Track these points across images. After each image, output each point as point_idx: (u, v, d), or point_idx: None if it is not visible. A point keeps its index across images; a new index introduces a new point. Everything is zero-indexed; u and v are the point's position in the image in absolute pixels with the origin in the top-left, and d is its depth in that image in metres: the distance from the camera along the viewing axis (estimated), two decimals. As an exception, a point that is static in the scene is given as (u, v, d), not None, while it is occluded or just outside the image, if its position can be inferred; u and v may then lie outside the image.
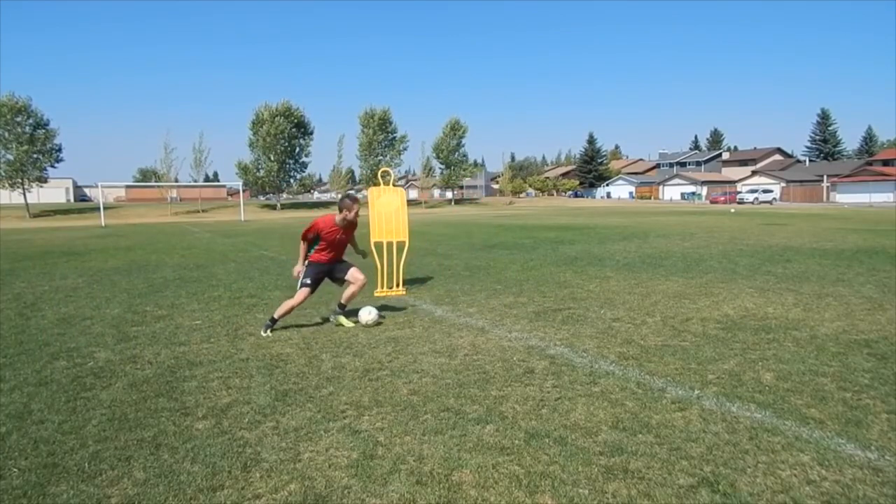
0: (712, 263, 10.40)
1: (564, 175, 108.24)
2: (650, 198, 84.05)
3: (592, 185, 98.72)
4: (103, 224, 36.82)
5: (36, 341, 5.54)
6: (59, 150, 50.46)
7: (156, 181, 61.98)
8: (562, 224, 24.61)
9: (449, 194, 76.34)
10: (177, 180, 61.81)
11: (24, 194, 49.19)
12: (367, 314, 6.01)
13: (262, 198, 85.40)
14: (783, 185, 72.41)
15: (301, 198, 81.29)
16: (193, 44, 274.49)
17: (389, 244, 8.36)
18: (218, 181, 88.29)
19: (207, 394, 4.03)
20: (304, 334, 5.69)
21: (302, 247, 6.08)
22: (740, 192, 64.94)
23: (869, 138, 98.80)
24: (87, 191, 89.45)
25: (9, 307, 7.34)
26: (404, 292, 7.91)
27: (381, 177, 8.99)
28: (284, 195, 67.12)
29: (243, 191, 62.90)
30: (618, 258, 11.55)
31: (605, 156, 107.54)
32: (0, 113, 46.30)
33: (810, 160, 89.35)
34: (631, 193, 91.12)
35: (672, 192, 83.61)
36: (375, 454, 3.06)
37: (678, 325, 5.76)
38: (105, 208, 45.26)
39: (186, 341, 5.48)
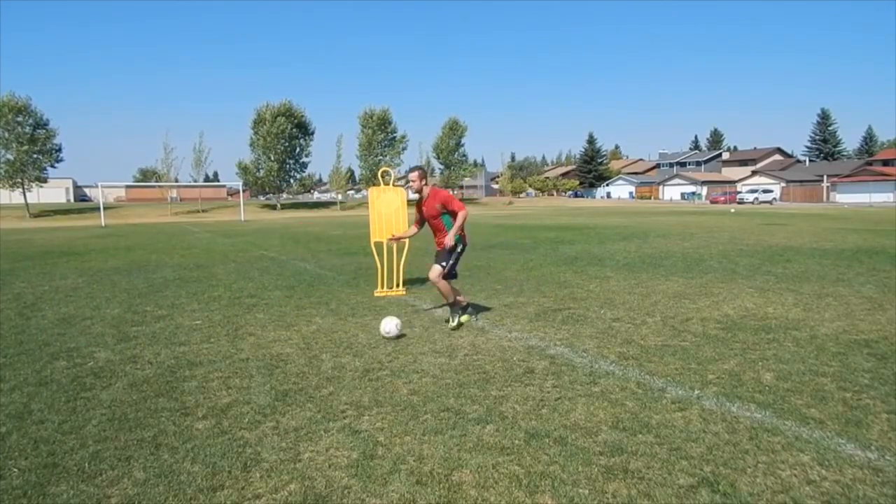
0: (712, 263, 10.40)
1: (564, 175, 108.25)
2: (650, 198, 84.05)
3: (592, 185, 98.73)
4: (103, 224, 36.83)
5: (36, 341, 5.54)
6: (59, 150, 50.47)
7: (156, 181, 61.95)
8: (562, 224, 24.61)
9: (449, 194, 76.21)
10: (177, 180, 61.79)
11: (24, 194, 49.19)
12: (387, 326, 5.45)
13: (262, 198, 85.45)
14: (783, 185, 72.43)
15: (301, 198, 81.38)
16: (193, 44, 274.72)
17: (389, 244, 8.36)
18: (218, 181, 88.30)
19: (207, 394, 4.03)
20: (303, 334, 5.69)
21: None
22: (740, 192, 64.96)
23: (869, 138, 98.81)
24: (87, 191, 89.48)
25: (9, 307, 7.34)
26: (404, 292, 7.91)
27: (382, 176, 8.99)
28: (284, 195, 67.16)
29: (243, 191, 62.91)
30: (618, 258, 11.55)
31: (605, 156, 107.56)
32: (1, 113, 46.29)
33: (810, 160, 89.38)
34: (631, 193, 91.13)
35: (672, 192, 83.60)
36: (375, 454, 3.06)
37: (678, 325, 5.76)
38: (105, 208, 45.26)
39: (186, 341, 5.48)
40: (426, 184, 6.13)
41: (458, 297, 5.97)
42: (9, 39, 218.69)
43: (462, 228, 5.94)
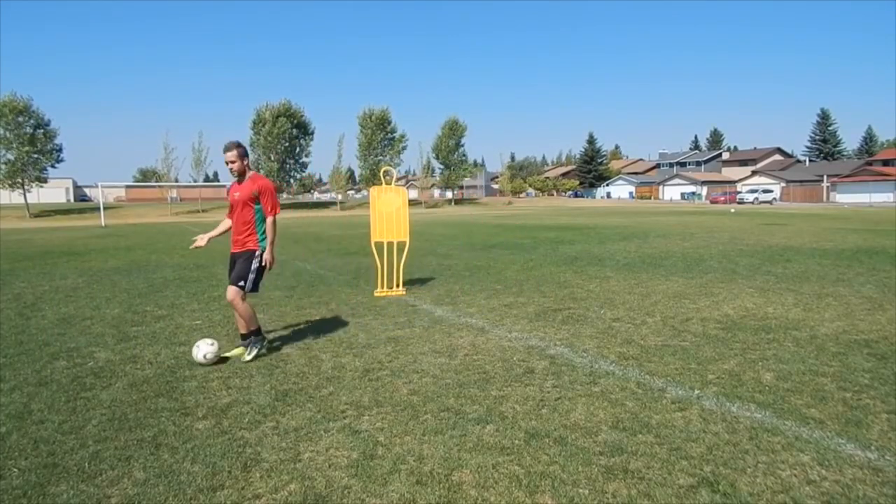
0: (712, 263, 10.40)
1: (564, 175, 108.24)
2: (650, 198, 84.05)
3: (592, 185, 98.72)
4: (103, 224, 36.82)
5: (36, 341, 5.54)
6: (60, 150, 50.50)
7: (156, 181, 61.98)
8: (562, 224, 24.61)
9: (449, 194, 76.38)
10: (177, 180, 61.81)
11: (24, 194, 49.21)
12: (202, 350, 4.66)
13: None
14: (783, 185, 72.42)
15: (301, 198, 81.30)
16: (193, 44, 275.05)
17: (390, 244, 8.36)
18: (218, 181, 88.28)
19: (207, 394, 4.03)
20: (304, 334, 5.69)
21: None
22: (740, 192, 64.95)
23: (869, 138, 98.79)
24: (87, 191, 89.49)
25: (9, 307, 7.34)
26: (404, 292, 7.91)
27: (383, 175, 8.99)
28: (284, 195, 67.18)
29: (243, 191, 62.81)
30: (618, 258, 11.55)
31: (605, 156, 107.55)
32: (2, 113, 46.30)
33: (810, 160, 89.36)
34: (631, 193, 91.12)
35: (672, 192, 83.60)
36: (375, 454, 3.06)
37: (678, 325, 5.76)
38: (105, 208, 45.25)
39: (186, 341, 5.47)
40: (248, 166, 4.92)
41: (256, 326, 4.92)
42: (9, 39, 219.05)
43: (274, 237, 4.92)
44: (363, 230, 19.75)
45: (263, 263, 4.88)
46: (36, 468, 2.96)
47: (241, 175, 4.88)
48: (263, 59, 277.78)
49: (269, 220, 4.86)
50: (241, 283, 4.78)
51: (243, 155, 4.85)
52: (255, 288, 4.91)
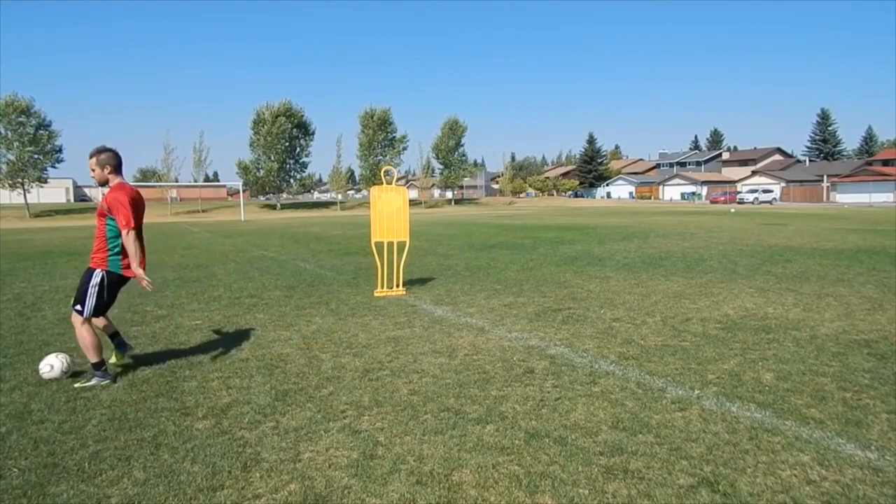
0: (712, 263, 10.40)
1: (564, 175, 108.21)
2: (650, 198, 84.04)
3: (592, 185, 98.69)
4: (103, 224, 36.78)
5: (36, 341, 5.54)
6: (60, 150, 50.54)
7: (156, 181, 61.97)
8: (562, 224, 24.61)
9: (449, 194, 76.38)
10: (177, 180, 61.82)
11: (25, 194, 49.21)
12: (51, 366, 4.29)
13: (262, 198, 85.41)
14: (783, 185, 72.43)
15: (301, 198, 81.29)
16: (193, 44, 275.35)
17: (390, 244, 8.36)
18: (218, 181, 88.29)
19: (207, 394, 4.03)
20: (304, 334, 5.69)
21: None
22: (740, 192, 64.95)
23: (869, 138, 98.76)
24: (87, 191, 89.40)
25: (9, 307, 7.34)
26: (404, 292, 7.91)
27: (384, 175, 8.99)
28: (284, 195, 67.16)
29: (243, 191, 62.92)
30: (618, 258, 11.55)
31: (605, 156, 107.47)
32: (5, 113, 46.33)
33: (810, 160, 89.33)
34: (631, 193, 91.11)
35: (672, 192, 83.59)
36: (375, 454, 3.06)
37: (678, 325, 5.76)
38: (105, 208, 45.18)
39: (186, 341, 5.48)
40: (113, 172, 4.33)
41: (98, 359, 4.26)
42: (9, 39, 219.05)
43: (132, 254, 4.22)
44: (363, 230, 19.76)
45: (99, 281, 4.25)
46: (36, 468, 2.96)
47: (103, 184, 4.37)
48: (263, 59, 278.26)
49: (124, 234, 4.18)
50: (79, 307, 4.23)
51: (105, 163, 4.29)
52: (97, 312, 4.31)
